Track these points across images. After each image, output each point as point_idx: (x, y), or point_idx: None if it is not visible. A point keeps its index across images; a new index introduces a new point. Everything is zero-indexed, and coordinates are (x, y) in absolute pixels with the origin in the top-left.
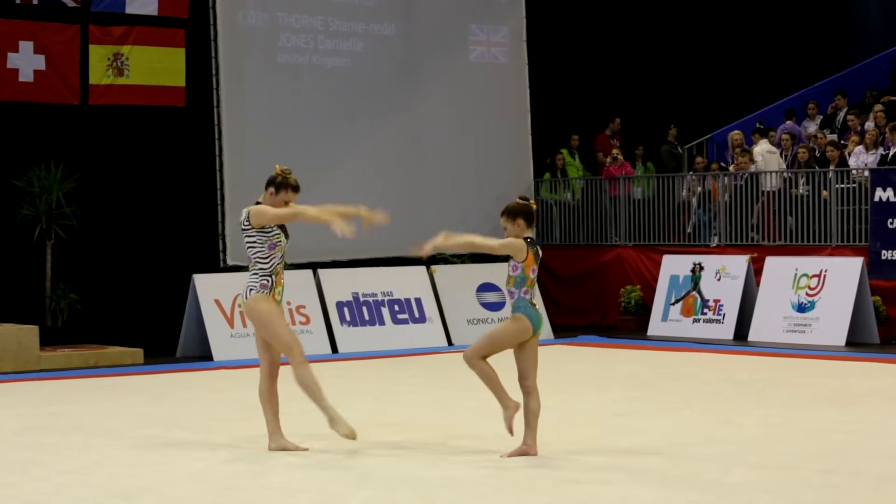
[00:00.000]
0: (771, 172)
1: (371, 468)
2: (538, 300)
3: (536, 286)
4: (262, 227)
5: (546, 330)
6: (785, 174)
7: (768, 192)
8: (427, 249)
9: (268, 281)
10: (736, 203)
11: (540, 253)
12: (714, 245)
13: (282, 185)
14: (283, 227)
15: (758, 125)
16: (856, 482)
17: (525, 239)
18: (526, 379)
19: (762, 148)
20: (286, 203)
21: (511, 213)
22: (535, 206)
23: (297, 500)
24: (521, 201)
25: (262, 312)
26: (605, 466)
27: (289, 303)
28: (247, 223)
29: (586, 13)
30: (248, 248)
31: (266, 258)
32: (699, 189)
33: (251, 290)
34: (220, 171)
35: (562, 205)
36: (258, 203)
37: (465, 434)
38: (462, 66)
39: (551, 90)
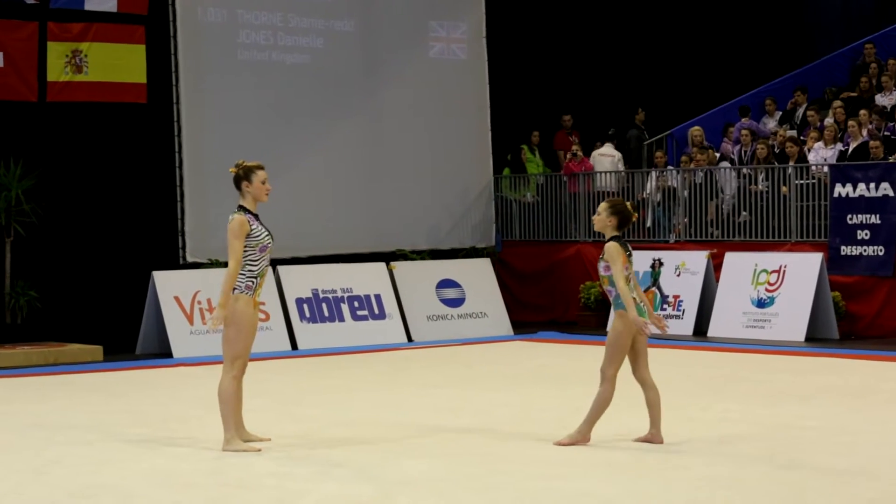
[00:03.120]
0: (608, 173)
1: (330, 464)
2: (638, 294)
3: (635, 280)
4: (248, 234)
5: (506, 326)
6: (744, 170)
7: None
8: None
9: (252, 283)
10: (695, 199)
11: (630, 250)
12: (673, 241)
13: (248, 173)
14: (267, 228)
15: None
16: (817, 478)
17: (617, 239)
18: (639, 372)
19: (599, 150)
20: (264, 183)
21: (614, 208)
22: (635, 218)
23: (256, 497)
24: (629, 206)
25: (238, 314)
26: (566, 461)
27: None
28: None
29: (546, 10)
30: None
31: (256, 261)
32: (658, 184)
33: (235, 289)
34: (179, 168)
35: (521, 201)
36: (240, 206)
37: (423, 430)
38: (422, 63)
39: (511, 87)
